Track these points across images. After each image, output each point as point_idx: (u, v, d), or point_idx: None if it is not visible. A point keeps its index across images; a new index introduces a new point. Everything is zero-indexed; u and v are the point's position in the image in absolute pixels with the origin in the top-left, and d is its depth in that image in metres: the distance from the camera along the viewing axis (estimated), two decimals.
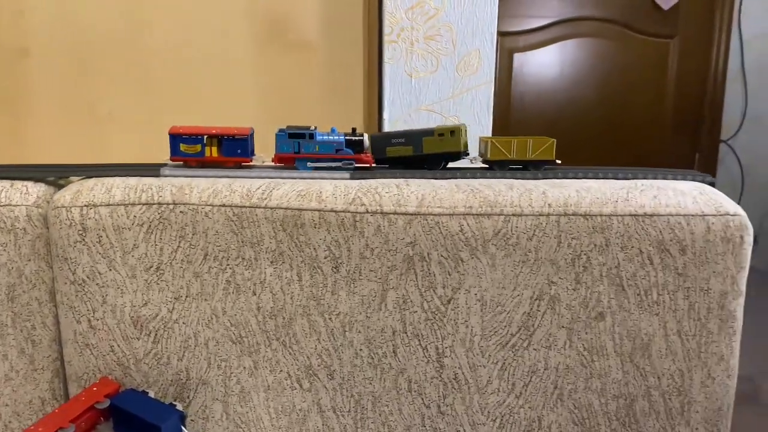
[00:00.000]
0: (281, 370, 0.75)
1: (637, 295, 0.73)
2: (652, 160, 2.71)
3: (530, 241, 0.72)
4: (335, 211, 0.70)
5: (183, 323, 0.74)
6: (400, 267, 0.72)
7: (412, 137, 0.82)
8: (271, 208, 0.71)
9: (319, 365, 0.74)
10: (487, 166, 0.85)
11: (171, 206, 0.71)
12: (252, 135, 0.80)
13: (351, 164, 0.80)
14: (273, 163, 0.82)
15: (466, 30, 1.03)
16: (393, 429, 0.76)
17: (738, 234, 0.72)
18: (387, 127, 1.09)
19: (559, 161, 0.83)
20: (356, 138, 0.81)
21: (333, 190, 0.72)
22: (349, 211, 0.71)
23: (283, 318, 0.73)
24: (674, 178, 0.81)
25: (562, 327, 0.74)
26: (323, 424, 0.76)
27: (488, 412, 0.76)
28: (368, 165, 0.81)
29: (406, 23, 1.02)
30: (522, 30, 2.57)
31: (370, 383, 0.75)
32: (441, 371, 0.75)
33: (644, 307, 0.73)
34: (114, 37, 1.25)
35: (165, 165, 0.79)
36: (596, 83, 2.64)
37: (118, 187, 0.73)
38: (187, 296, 0.73)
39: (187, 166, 0.79)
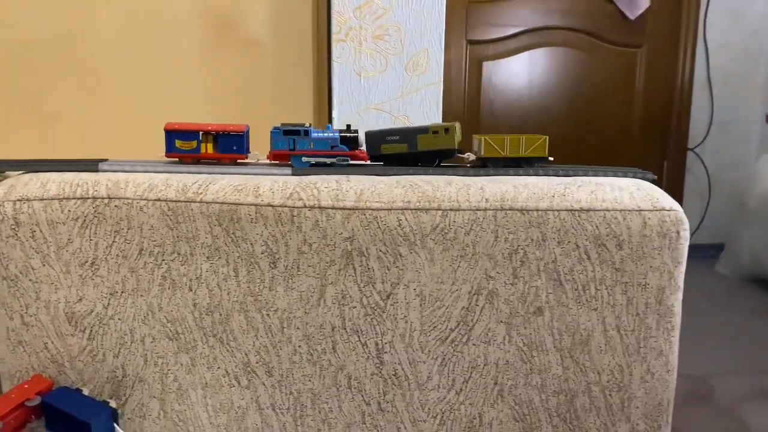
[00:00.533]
0: (219, 367, 0.74)
1: (575, 290, 0.73)
2: None
3: (468, 236, 0.72)
4: (272, 206, 0.70)
5: (118, 319, 0.73)
6: (339, 262, 0.72)
7: (407, 134, 0.82)
8: (207, 203, 0.70)
9: (257, 362, 0.74)
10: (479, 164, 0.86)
11: (106, 201, 0.70)
12: (248, 132, 0.80)
13: (346, 161, 0.80)
14: (268, 161, 0.82)
15: (414, 30, 1.04)
16: (333, 426, 0.76)
17: (674, 229, 0.73)
18: (336, 126, 1.09)
19: (551, 158, 0.84)
20: (351, 135, 0.81)
21: (271, 185, 0.72)
22: (286, 206, 0.70)
23: (220, 314, 0.73)
24: (615, 175, 0.82)
25: (501, 322, 0.74)
26: (262, 422, 0.75)
27: (429, 408, 0.75)
28: (364, 161, 0.82)
29: (355, 23, 1.02)
30: (491, 39, 2.59)
31: (310, 380, 0.74)
32: (381, 367, 0.74)
33: (582, 302, 0.74)
34: (58, 35, 1.24)
35: (105, 161, 0.79)
36: (565, 92, 2.67)
37: (54, 181, 0.72)
38: (122, 292, 0.72)
39: (183, 163, 0.79)
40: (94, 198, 0.70)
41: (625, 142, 2.75)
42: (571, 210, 0.72)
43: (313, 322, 0.73)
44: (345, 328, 0.73)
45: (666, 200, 0.74)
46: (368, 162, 0.83)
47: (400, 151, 0.82)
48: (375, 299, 0.73)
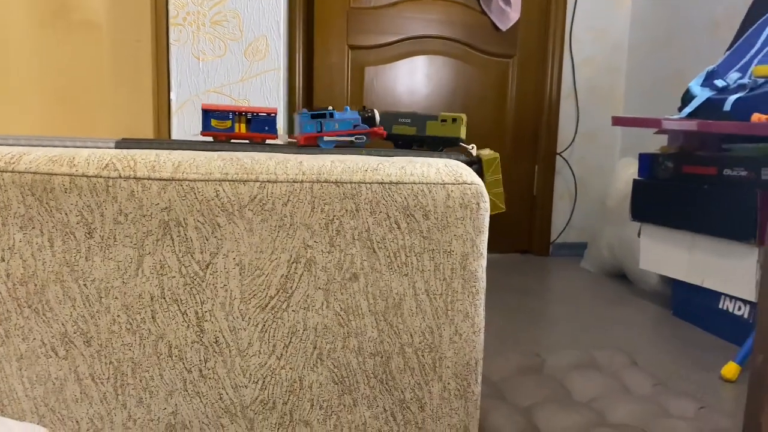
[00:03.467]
0: (34, 338, 0.74)
1: (387, 257, 0.79)
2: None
3: (285, 207, 0.76)
4: (87, 176, 0.71)
5: None
6: (156, 232, 0.74)
7: (417, 119, 0.90)
8: (19, 173, 0.70)
9: (74, 332, 0.74)
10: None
11: None
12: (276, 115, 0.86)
13: (363, 138, 0.86)
14: (295, 140, 0.87)
15: (252, 17, 1.07)
16: (154, 395, 0.77)
17: (474, 201, 0.80)
18: (174, 109, 1.11)
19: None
20: (369, 114, 0.88)
21: (87, 156, 0.73)
22: (101, 176, 0.72)
23: (35, 285, 0.73)
24: (432, 156, 0.88)
25: (319, 288, 0.78)
26: (81, 392, 0.76)
27: (250, 374, 0.78)
28: (382, 136, 0.89)
29: (192, 7, 1.04)
30: (372, 45, 2.68)
31: (130, 349, 0.76)
32: (201, 335, 0.77)
33: (394, 268, 0.79)
34: None
35: None
36: (443, 98, 2.79)
37: None
38: None
39: (217, 141, 0.82)
40: None
41: (499, 146, 2.90)
42: (381, 183, 0.78)
43: (132, 292, 0.74)
44: (164, 298, 0.75)
45: (468, 176, 0.81)
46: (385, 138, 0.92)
47: (408, 133, 0.90)
48: (194, 269, 0.75)
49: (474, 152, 0.97)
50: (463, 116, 0.94)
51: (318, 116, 0.87)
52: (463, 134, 0.94)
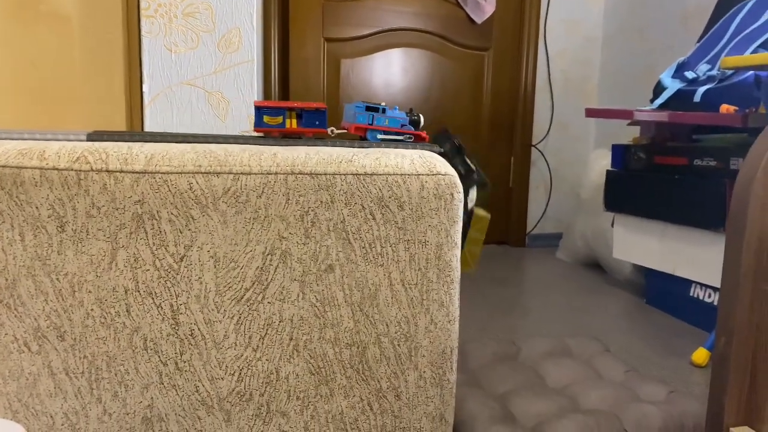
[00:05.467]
0: (6, 334, 0.73)
1: (363, 247, 0.80)
2: None
3: (260, 199, 0.76)
4: (58, 169, 0.71)
5: None
6: (130, 225, 0.73)
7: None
8: None
9: (48, 327, 0.74)
10: None
11: None
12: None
13: (411, 139, 0.89)
14: (344, 130, 0.91)
15: (225, 9, 1.07)
16: (130, 388, 0.77)
17: (448, 191, 0.81)
18: (147, 101, 1.10)
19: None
20: (415, 117, 0.92)
21: (58, 149, 0.72)
22: (72, 169, 0.71)
23: (6, 279, 0.72)
24: (406, 148, 0.89)
25: (295, 280, 0.79)
26: (55, 387, 0.75)
27: (226, 366, 0.79)
28: (425, 141, 0.92)
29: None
30: (348, 37, 2.67)
31: (104, 343, 0.75)
32: (177, 328, 0.77)
33: (370, 258, 0.80)
34: None
35: None
36: (419, 90, 2.80)
37: None
38: None
39: (270, 137, 0.84)
40: None
41: (475, 138, 2.92)
42: (356, 174, 0.78)
43: (106, 286, 0.74)
44: (139, 291, 0.75)
45: (442, 167, 0.82)
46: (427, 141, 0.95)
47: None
48: (168, 261, 0.75)
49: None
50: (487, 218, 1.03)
51: (372, 109, 0.90)
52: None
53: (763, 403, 0.68)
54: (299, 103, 0.88)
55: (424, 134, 0.94)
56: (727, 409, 0.66)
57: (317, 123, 0.89)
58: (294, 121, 0.88)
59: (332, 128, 0.93)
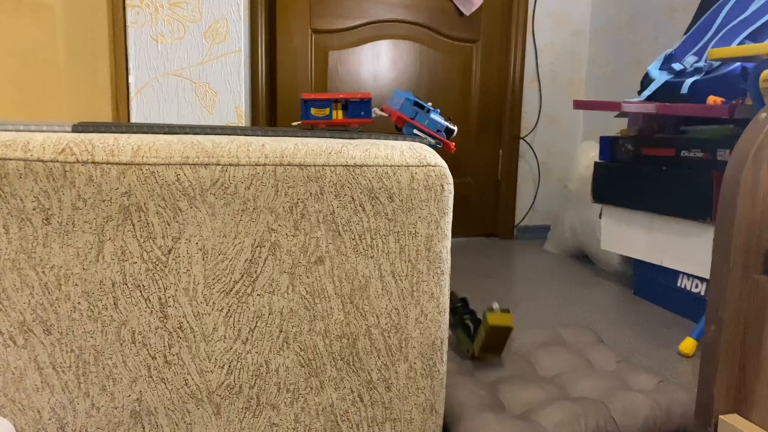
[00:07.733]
0: None
1: (353, 239, 0.79)
2: (459, 156, 2.92)
3: (248, 190, 0.75)
4: (42, 161, 0.70)
5: None
6: (117, 217, 0.72)
7: None
8: None
9: (33, 320, 0.73)
10: None
11: None
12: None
13: (441, 145, 0.90)
14: (382, 112, 0.92)
15: None
16: (118, 382, 0.76)
17: (439, 183, 0.80)
18: (133, 92, 1.08)
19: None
20: (451, 127, 0.93)
21: (43, 141, 0.71)
22: (57, 161, 0.70)
23: None
24: (395, 140, 0.88)
25: (284, 272, 0.78)
26: (42, 381, 0.74)
27: (215, 359, 0.78)
28: (452, 152, 0.95)
29: None
30: (336, 29, 2.65)
31: (92, 337, 0.74)
32: (165, 321, 0.76)
33: (360, 250, 0.80)
34: None
35: None
36: (408, 82, 2.79)
37: None
38: None
39: (317, 128, 0.86)
40: None
41: (464, 130, 2.92)
42: (346, 165, 0.78)
43: (92, 279, 0.73)
44: (126, 284, 0.74)
45: (432, 158, 0.82)
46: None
47: None
48: (156, 254, 0.74)
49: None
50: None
51: (419, 105, 0.91)
52: None
53: (752, 391, 0.69)
54: (345, 95, 0.90)
55: (452, 145, 0.94)
56: (716, 396, 0.66)
57: (362, 113, 0.91)
58: (340, 112, 0.90)
59: (375, 109, 0.94)
